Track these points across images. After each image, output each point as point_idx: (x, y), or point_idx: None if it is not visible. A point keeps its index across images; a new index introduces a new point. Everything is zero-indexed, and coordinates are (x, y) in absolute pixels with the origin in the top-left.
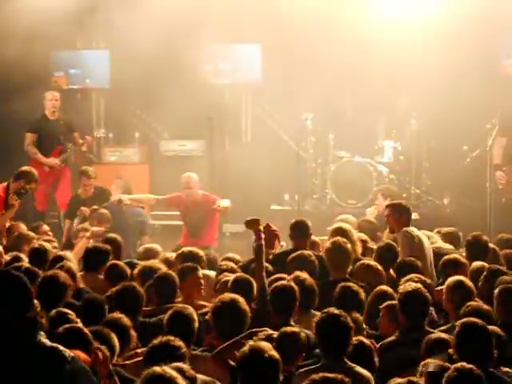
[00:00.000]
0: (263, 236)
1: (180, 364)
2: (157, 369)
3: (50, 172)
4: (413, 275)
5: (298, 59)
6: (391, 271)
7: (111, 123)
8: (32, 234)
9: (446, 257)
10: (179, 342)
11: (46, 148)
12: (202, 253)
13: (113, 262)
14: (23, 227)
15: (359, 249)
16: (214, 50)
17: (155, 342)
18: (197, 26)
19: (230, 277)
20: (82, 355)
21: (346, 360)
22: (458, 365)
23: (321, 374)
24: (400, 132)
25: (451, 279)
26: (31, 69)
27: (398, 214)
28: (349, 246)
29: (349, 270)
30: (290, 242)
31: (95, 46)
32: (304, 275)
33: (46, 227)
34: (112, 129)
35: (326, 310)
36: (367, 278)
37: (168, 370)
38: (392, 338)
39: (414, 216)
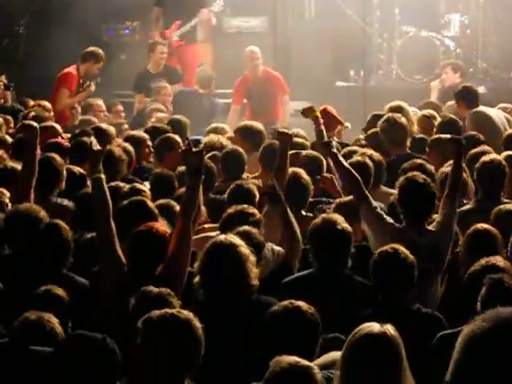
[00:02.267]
0: (322, 121)
1: (248, 228)
2: (221, 237)
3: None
4: (486, 147)
5: None
6: None
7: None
8: (94, 119)
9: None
10: (253, 209)
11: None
12: (261, 127)
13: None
14: (99, 104)
15: (414, 127)
16: None
17: (230, 210)
18: None
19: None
20: (160, 227)
21: (425, 225)
22: None
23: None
24: (466, 5)
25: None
26: None
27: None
28: (404, 120)
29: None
30: (355, 121)
31: None
32: (370, 151)
33: (120, 107)
34: None
35: (409, 175)
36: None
37: (231, 238)
38: (468, 206)
39: (482, 90)
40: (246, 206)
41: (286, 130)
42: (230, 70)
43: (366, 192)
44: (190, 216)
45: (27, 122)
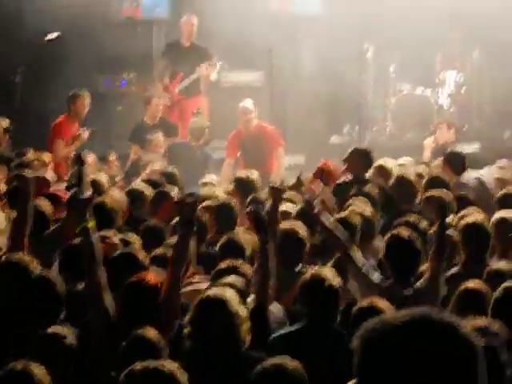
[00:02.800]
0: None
1: (234, 279)
2: (212, 291)
3: (175, 103)
4: (472, 208)
5: None
6: None
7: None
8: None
9: (504, 191)
10: (246, 268)
11: (172, 74)
12: (254, 178)
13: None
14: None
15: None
16: None
17: (222, 265)
18: None
19: (288, 206)
20: (152, 278)
21: (412, 281)
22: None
23: None
24: (462, 63)
25: (501, 215)
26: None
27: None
28: (412, 177)
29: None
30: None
31: None
32: (363, 207)
33: (113, 157)
34: None
35: (394, 232)
36: None
37: (222, 291)
38: (454, 270)
39: (476, 148)
40: (240, 262)
41: (277, 185)
42: (227, 124)
43: (351, 251)
44: (181, 266)
45: (21, 172)
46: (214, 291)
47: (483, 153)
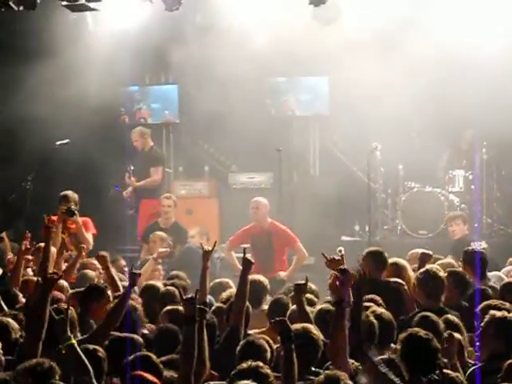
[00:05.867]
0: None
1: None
2: None
3: None
4: (496, 302)
5: (364, 90)
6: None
7: (181, 157)
8: (92, 273)
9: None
10: (267, 370)
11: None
12: (263, 282)
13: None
14: (93, 262)
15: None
16: (282, 84)
17: (244, 365)
18: (265, 60)
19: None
20: (150, 378)
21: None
22: None
23: None
24: (470, 161)
25: None
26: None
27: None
28: (442, 273)
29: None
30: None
31: (164, 81)
32: (380, 310)
33: (122, 262)
34: (182, 163)
35: (411, 331)
36: None
37: None
38: (480, 365)
39: (486, 245)
40: (260, 364)
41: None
42: (236, 225)
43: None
44: (190, 366)
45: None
46: None
47: (494, 250)
